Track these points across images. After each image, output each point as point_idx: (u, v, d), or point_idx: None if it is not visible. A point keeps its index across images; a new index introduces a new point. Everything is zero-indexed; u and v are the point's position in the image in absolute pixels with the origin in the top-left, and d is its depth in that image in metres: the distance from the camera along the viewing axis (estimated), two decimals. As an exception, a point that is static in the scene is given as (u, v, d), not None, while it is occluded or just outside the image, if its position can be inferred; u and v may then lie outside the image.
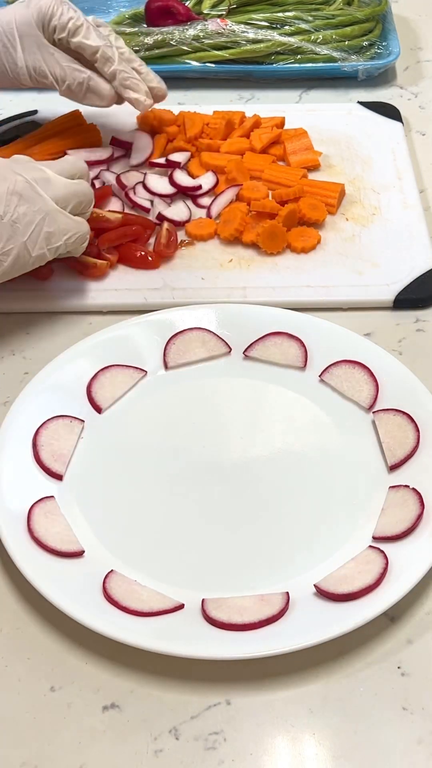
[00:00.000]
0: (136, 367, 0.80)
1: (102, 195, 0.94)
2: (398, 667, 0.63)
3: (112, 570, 0.67)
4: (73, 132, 1.01)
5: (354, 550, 0.68)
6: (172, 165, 0.99)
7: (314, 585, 0.65)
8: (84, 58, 0.94)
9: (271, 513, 0.71)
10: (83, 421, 0.76)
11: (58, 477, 0.73)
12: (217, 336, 0.82)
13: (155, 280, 0.89)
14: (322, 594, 0.65)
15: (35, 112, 1.08)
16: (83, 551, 0.68)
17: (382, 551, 0.66)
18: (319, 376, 0.79)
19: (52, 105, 1.04)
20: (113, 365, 0.79)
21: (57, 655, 0.64)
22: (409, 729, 0.60)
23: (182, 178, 0.97)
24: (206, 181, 0.97)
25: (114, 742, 0.60)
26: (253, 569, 0.68)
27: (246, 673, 0.63)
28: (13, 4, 0.94)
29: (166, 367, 0.81)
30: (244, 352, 0.81)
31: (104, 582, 0.65)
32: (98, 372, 0.79)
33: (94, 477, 0.73)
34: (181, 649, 0.62)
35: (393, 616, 0.66)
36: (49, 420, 0.75)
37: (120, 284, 0.88)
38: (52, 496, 0.71)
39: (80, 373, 0.79)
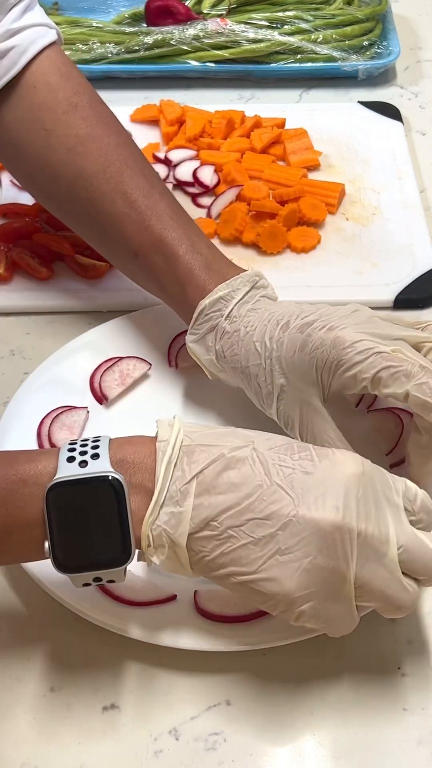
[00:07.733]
0: (140, 358, 0.80)
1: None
2: (398, 668, 0.63)
3: None
4: None
5: None
6: (168, 163, 0.99)
7: None
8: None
9: None
10: (88, 411, 0.77)
11: None
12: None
13: (155, 280, 0.89)
14: None
15: None
16: None
17: None
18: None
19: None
20: (117, 357, 0.79)
21: (57, 655, 0.64)
22: (409, 729, 0.60)
23: (186, 174, 0.98)
24: (207, 178, 0.97)
25: (114, 742, 0.60)
26: None
27: (246, 674, 0.63)
28: (288, 332, 0.66)
29: (169, 364, 0.81)
30: None
31: None
32: (102, 363, 0.79)
33: None
34: (170, 640, 0.62)
35: (393, 616, 0.66)
36: (54, 410, 0.75)
37: (120, 284, 0.88)
38: None
39: (84, 364, 0.79)
